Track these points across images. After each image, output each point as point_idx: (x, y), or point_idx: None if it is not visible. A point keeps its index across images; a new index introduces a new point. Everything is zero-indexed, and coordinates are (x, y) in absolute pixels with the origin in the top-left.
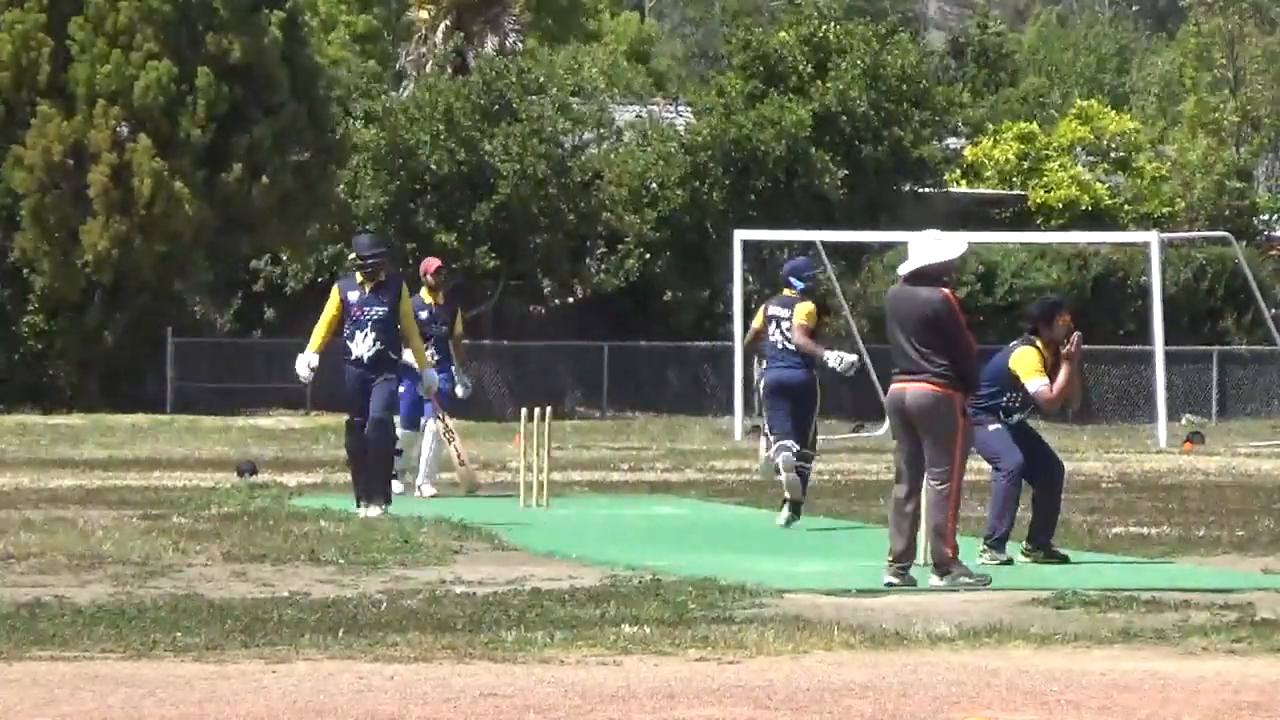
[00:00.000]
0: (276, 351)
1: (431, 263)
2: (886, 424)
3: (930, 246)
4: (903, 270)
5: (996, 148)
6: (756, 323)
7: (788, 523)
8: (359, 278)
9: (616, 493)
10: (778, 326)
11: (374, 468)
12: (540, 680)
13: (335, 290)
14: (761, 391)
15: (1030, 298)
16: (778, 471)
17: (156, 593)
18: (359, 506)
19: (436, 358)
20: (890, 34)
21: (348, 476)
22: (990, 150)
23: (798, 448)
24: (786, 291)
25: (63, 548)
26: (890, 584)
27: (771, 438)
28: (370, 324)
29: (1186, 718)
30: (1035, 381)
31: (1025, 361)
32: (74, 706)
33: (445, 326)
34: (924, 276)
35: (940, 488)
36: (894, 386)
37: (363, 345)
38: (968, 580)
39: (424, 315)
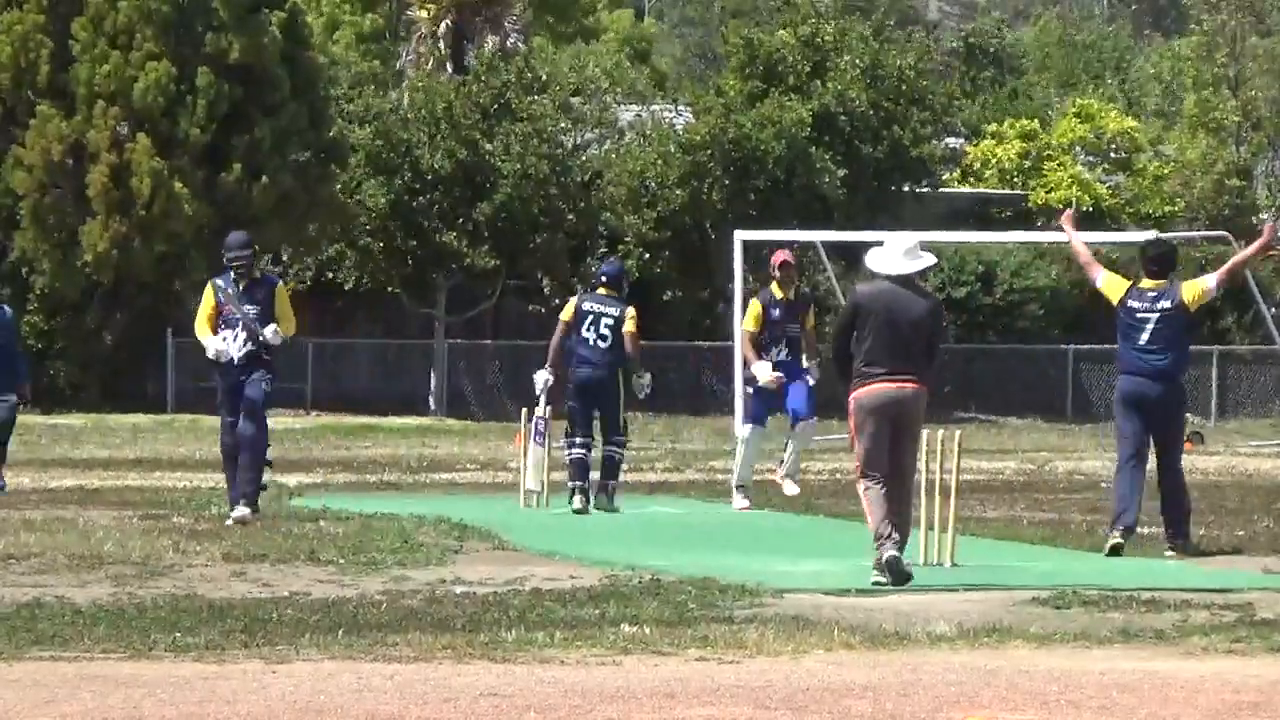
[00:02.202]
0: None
1: (779, 255)
2: None
3: (915, 252)
4: (894, 270)
5: (1001, 146)
6: (567, 315)
7: (583, 509)
8: (231, 275)
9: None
10: (594, 324)
11: (246, 468)
12: (540, 680)
13: (209, 287)
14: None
15: (1030, 297)
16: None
17: (156, 593)
18: (232, 510)
19: (788, 357)
20: (879, 31)
21: (348, 476)
22: (994, 149)
23: (590, 442)
24: (605, 291)
25: (63, 548)
26: (892, 558)
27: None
28: (241, 323)
29: (1186, 718)
30: (1208, 279)
31: (1192, 281)
32: (74, 706)
33: (797, 324)
34: (907, 279)
35: (908, 488)
36: (884, 386)
37: (234, 345)
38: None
39: (776, 314)
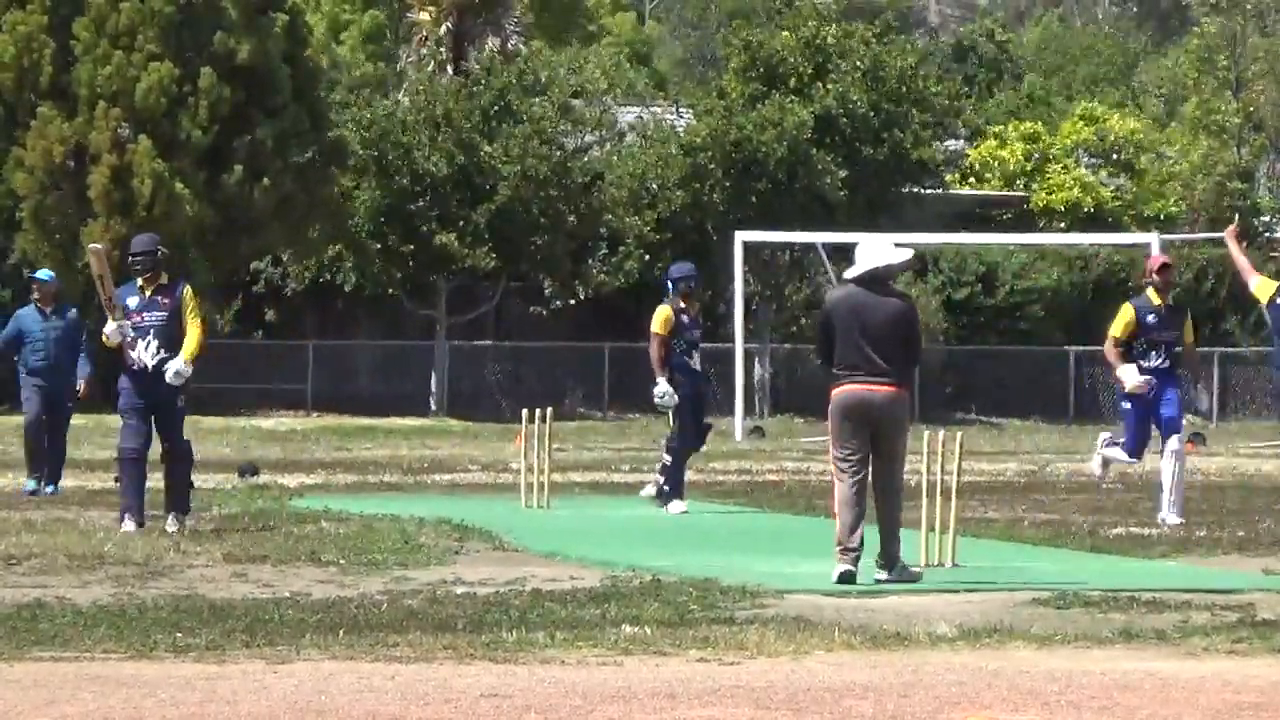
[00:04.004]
0: (277, 353)
1: (1157, 259)
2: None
3: (883, 250)
4: (853, 274)
5: (1003, 148)
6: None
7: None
8: (139, 282)
9: (617, 493)
10: None
11: (179, 482)
12: (541, 680)
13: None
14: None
15: (1031, 299)
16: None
17: (157, 593)
18: (122, 521)
19: (1165, 365)
20: (884, 33)
21: (349, 477)
22: (996, 150)
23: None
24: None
25: (64, 548)
26: (847, 572)
27: None
28: (152, 330)
29: (1187, 718)
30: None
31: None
32: (75, 707)
33: (1175, 332)
34: (879, 279)
35: (898, 486)
36: (856, 388)
37: (145, 353)
38: (907, 576)
39: (1151, 320)
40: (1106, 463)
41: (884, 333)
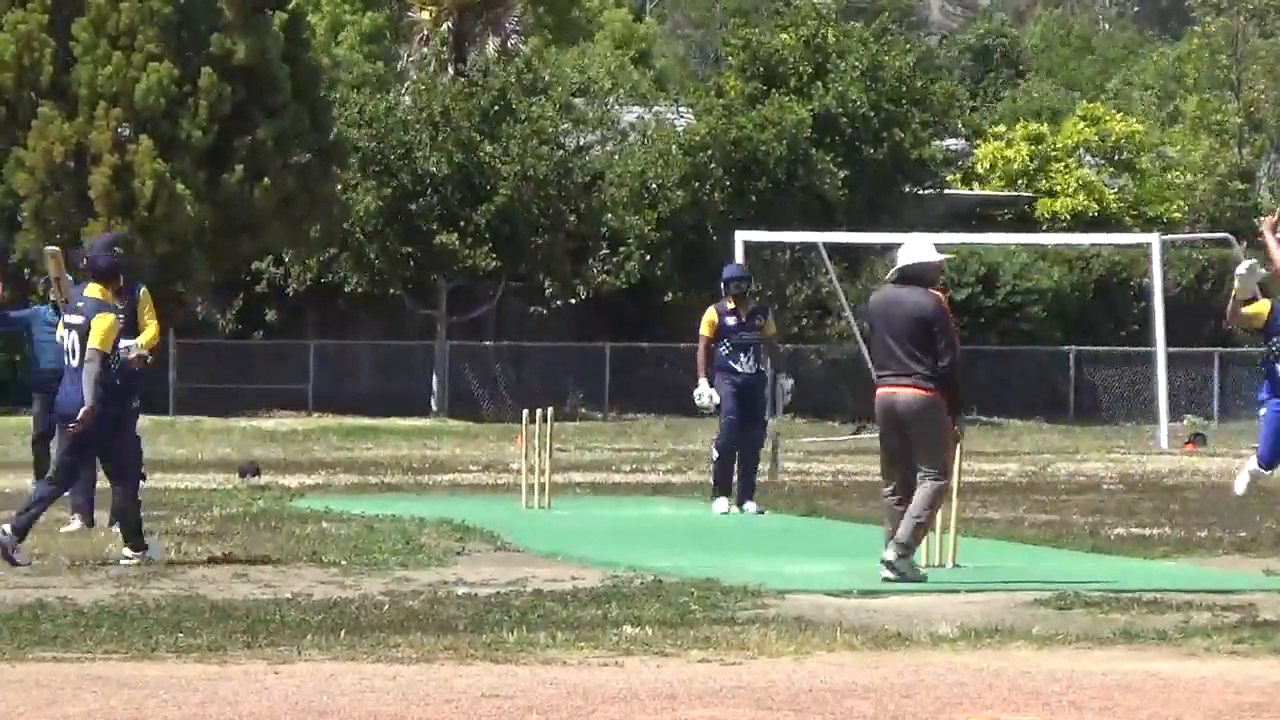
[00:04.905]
0: (278, 353)
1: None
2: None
3: (918, 248)
4: (899, 264)
5: (1010, 147)
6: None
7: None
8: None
9: (618, 494)
10: None
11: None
12: (542, 681)
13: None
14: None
15: (1032, 299)
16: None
17: (159, 594)
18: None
19: None
20: (881, 35)
21: (350, 478)
22: (1003, 150)
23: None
24: None
25: (65, 549)
26: (889, 578)
27: None
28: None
29: (1188, 718)
30: None
31: None
32: (77, 707)
33: None
34: (911, 278)
35: (936, 483)
36: (883, 391)
37: None
38: (913, 575)
39: None
40: (1253, 479)
41: (907, 330)
